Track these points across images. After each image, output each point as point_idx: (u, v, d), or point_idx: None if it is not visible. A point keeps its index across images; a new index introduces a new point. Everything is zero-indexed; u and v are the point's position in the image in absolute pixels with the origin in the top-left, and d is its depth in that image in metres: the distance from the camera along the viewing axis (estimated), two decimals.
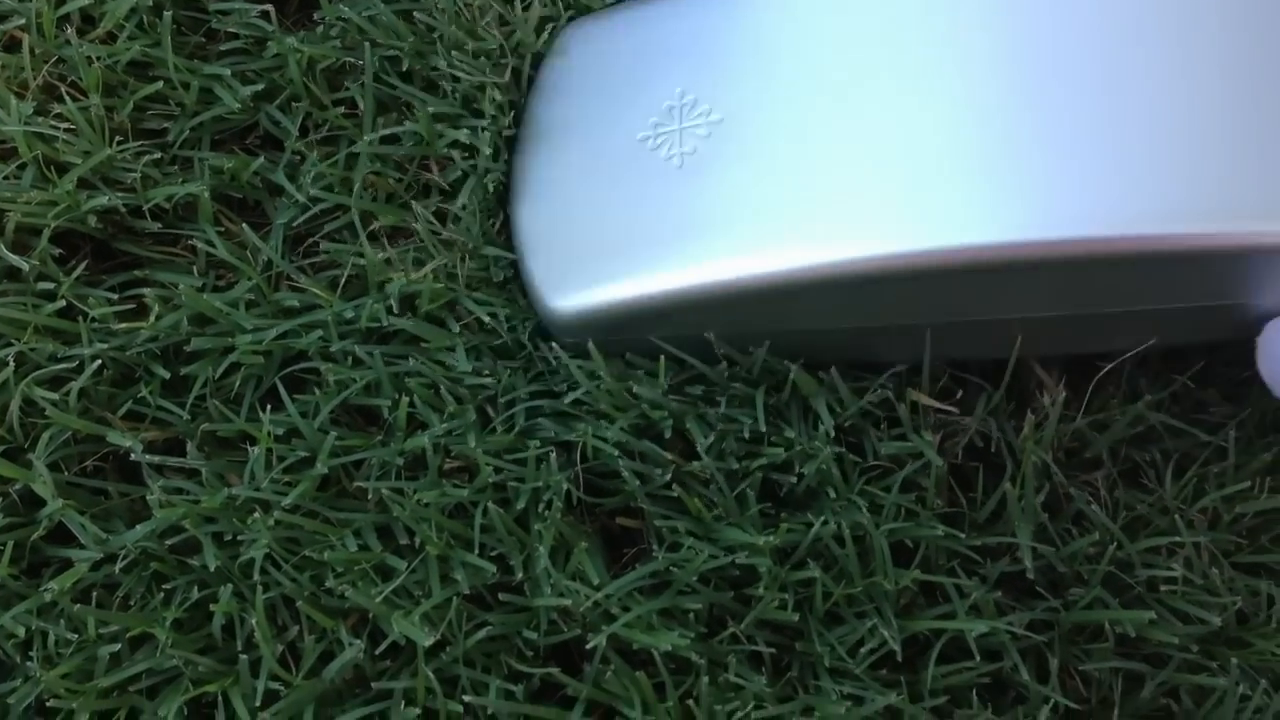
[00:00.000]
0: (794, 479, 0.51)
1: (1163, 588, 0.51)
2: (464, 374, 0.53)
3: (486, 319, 0.55)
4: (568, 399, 0.53)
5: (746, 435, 0.52)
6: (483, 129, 0.58)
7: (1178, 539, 0.52)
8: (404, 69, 0.59)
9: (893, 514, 0.51)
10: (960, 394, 0.55)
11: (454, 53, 0.59)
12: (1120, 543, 0.51)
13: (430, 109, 0.58)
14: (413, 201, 0.57)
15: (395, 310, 0.54)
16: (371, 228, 0.57)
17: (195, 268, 0.57)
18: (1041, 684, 0.49)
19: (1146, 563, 0.51)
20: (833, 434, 0.52)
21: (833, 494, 0.51)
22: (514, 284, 0.57)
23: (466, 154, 0.58)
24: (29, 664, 0.49)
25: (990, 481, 0.53)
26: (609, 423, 0.52)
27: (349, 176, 0.57)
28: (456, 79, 0.58)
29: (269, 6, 0.60)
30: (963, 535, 0.50)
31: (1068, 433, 0.54)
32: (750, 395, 0.53)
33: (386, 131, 0.57)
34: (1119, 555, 0.51)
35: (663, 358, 0.53)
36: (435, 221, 0.57)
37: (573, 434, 0.52)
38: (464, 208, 0.57)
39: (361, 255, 0.55)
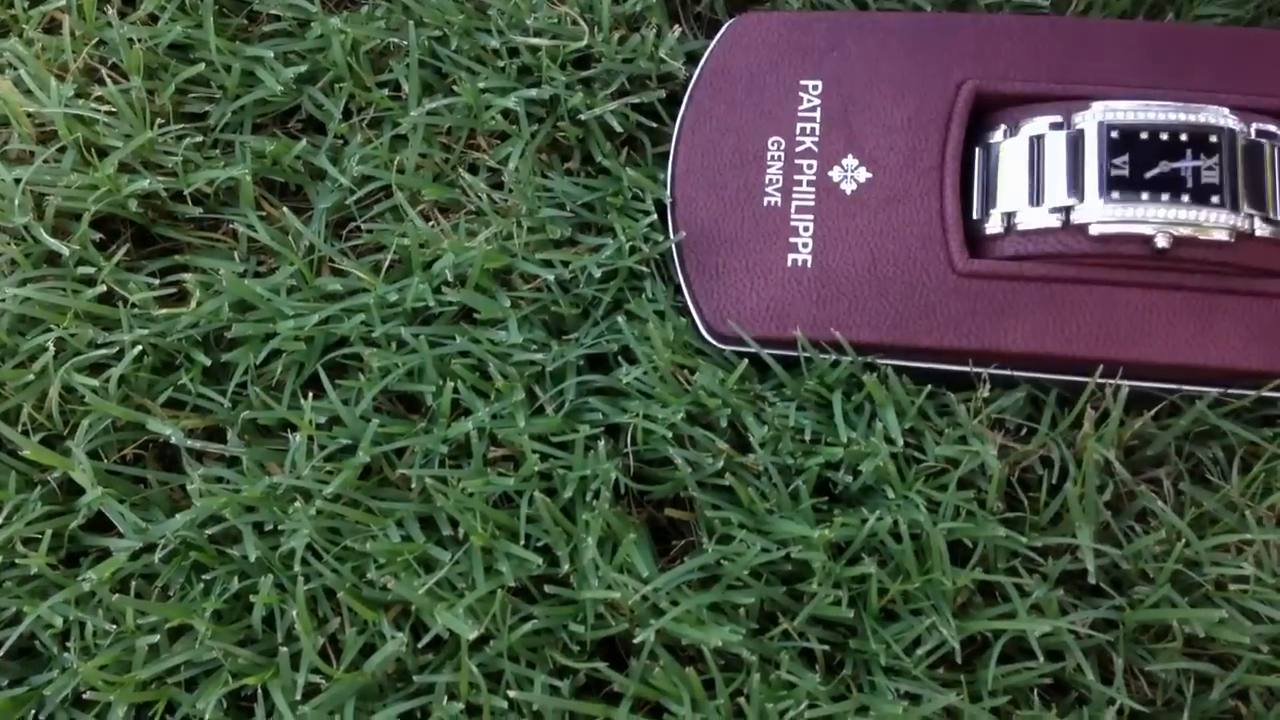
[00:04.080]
0: (850, 477, 0.50)
1: (1232, 586, 0.49)
2: (514, 348, 0.52)
3: (550, 277, 0.54)
4: (626, 378, 0.52)
5: (807, 437, 0.51)
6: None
7: (1247, 536, 0.50)
8: (453, 48, 0.58)
9: (950, 513, 0.49)
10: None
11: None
12: (1188, 540, 0.49)
13: (480, 82, 0.56)
14: (464, 173, 0.57)
15: (450, 281, 0.53)
16: (420, 207, 0.56)
17: (236, 253, 0.56)
18: (1106, 685, 0.48)
19: (1215, 561, 0.50)
20: (900, 442, 0.50)
21: (890, 492, 0.50)
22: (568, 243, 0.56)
23: (515, 124, 0.57)
24: (66, 655, 0.49)
25: (1053, 481, 0.52)
26: (663, 406, 0.51)
27: (394, 158, 0.56)
28: (515, 51, 0.57)
29: None
30: (1024, 539, 0.49)
31: (1130, 430, 0.52)
32: (807, 399, 0.52)
33: (432, 105, 0.56)
34: (1186, 553, 0.49)
35: (745, 361, 0.52)
36: (488, 189, 0.56)
37: (624, 415, 0.51)
38: (516, 169, 0.56)
39: (405, 236, 0.54)
